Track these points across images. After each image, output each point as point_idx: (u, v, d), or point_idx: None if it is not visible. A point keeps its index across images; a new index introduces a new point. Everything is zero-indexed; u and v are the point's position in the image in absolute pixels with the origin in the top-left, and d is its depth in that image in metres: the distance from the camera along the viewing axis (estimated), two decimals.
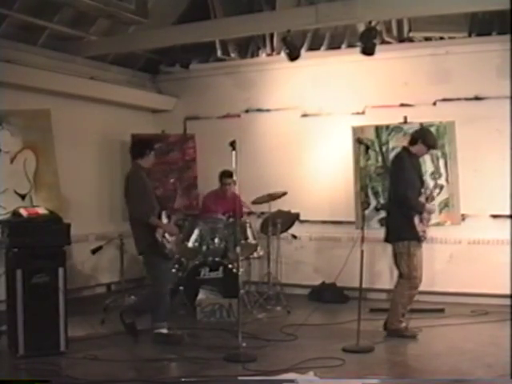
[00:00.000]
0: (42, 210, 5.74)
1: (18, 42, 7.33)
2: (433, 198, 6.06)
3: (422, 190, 5.96)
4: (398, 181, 5.92)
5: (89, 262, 7.93)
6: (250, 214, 7.93)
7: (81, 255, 7.68)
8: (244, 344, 5.41)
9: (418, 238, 5.85)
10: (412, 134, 6.29)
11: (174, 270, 7.51)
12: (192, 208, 8.48)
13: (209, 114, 9.08)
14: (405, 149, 6.09)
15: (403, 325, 5.96)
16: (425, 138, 6.00)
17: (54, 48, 7.78)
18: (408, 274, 5.87)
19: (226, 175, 7.50)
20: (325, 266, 8.13)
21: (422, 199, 5.93)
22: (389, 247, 7.71)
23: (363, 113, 8.14)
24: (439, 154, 7.37)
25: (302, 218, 7.91)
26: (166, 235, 5.88)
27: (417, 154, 6.05)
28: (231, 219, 7.21)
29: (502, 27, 7.20)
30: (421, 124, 7.32)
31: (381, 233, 7.52)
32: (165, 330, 5.87)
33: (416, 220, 5.83)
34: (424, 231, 5.90)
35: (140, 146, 6.07)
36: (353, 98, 8.16)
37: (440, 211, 7.21)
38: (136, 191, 5.82)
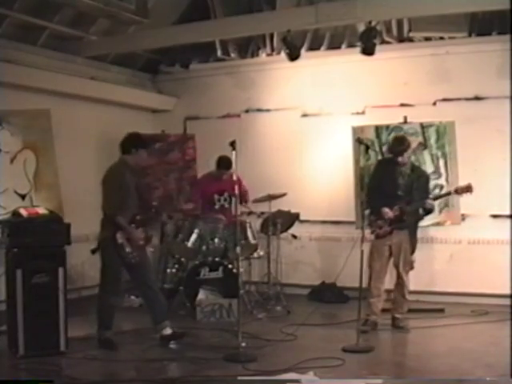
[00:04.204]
0: (42, 210, 5.74)
1: (18, 42, 7.32)
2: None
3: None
4: None
5: (89, 261, 7.90)
6: (250, 213, 7.92)
7: (81, 255, 7.65)
8: (244, 344, 5.41)
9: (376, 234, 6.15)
10: None
11: (174, 270, 7.56)
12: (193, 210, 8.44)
13: (209, 114, 9.08)
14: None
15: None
16: (389, 147, 6.53)
17: (54, 48, 7.77)
18: None
19: (224, 166, 7.23)
20: (325, 265, 8.14)
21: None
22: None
23: (363, 113, 8.13)
24: (439, 153, 7.38)
25: (302, 217, 7.90)
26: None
27: (398, 161, 6.16)
28: (228, 200, 7.06)
29: (501, 27, 7.20)
30: (421, 124, 7.32)
31: None
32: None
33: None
34: (379, 227, 6.07)
35: (128, 141, 5.80)
36: (353, 98, 8.16)
37: (440, 211, 7.20)
38: (109, 186, 5.66)
